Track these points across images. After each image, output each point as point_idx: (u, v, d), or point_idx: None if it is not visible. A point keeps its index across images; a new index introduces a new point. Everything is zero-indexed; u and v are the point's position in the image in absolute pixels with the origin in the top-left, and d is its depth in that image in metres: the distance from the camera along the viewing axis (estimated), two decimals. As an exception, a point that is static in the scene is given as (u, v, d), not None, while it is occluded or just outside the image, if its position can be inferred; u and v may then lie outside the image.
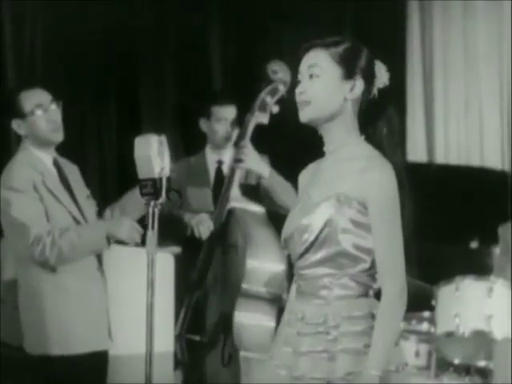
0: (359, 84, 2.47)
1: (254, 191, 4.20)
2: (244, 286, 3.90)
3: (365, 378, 2.34)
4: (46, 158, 3.56)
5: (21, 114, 3.51)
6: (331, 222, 2.40)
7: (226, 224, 4.05)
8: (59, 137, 3.57)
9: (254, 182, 4.22)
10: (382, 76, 2.51)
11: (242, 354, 3.87)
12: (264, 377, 2.60)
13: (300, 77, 2.51)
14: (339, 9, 6.99)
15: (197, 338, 4.07)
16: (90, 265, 3.53)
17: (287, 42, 6.62)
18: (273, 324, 3.89)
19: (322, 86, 2.46)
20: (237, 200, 4.07)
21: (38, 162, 3.53)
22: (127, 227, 3.40)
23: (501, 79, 6.90)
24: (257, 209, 4.08)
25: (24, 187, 3.42)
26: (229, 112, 4.34)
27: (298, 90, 2.49)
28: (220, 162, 4.36)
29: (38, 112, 3.51)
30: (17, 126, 3.54)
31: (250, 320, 3.91)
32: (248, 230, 3.95)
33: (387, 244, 2.40)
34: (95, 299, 3.54)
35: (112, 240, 3.45)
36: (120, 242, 3.48)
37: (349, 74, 2.46)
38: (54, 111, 3.56)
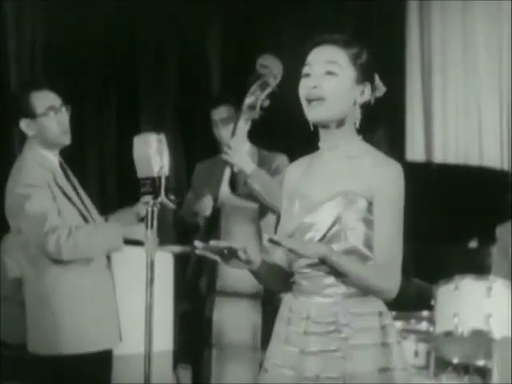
0: (368, 89, 2.47)
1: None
2: (218, 284, 3.91)
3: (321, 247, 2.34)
4: (53, 158, 3.57)
5: (31, 114, 3.51)
6: (340, 220, 2.40)
7: (215, 223, 4.04)
8: (67, 140, 3.59)
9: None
10: (380, 85, 2.51)
11: (214, 353, 3.89)
12: (266, 378, 2.58)
13: (309, 69, 2.46)
14: (339, 8, 6.99)
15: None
16: (99, 263, 3.53)
17: (287, 41, 6.62)
18: (256, 320, 3.90)
19: (339, 85, 2.43)
20: (226, 197, 4.05)
21: (46, 161, 3.54)
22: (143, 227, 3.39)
23: (500, 79, 6.90)
24: (246, 205, 4.05)
25: (39, 183, 3.42)
26: (222, 114, 4.32)
27: (309, 84, 2.43)
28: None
29: (51, 113, 3.52)
30: (25, 125, 3.53)
31: (229, 318, 3.91)
32: (228, 228, 3.94)
33: (387, 243, 2.40)
34: (105, 298, 3.54)
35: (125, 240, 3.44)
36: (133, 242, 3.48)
37: (360, 78, 2.45)
38: (64, 114, 3.57)
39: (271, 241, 2.26)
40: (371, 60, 2.49)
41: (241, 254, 2.39)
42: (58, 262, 3.39)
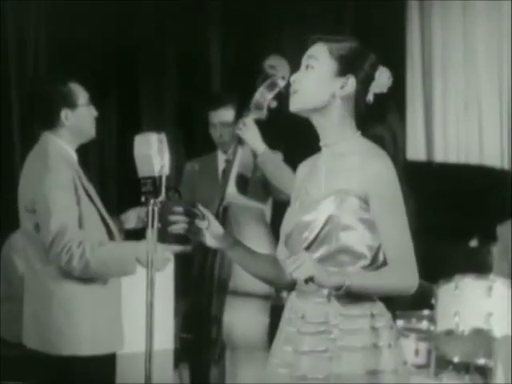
0: (351, 82, 2.46)
1: (252, 186, 4.17)
2: (231, 284, 3.91)
3: (337, 276, 2.34)
4: (73, 153, 3.56)
5: (73, 104, 3.51)
6: (332, 219, 2.40)
7: (222, 222, 4.04)
8: (94, 133, 3.60)
9: (252, 175, 4.19)
10: (381, 81, 2.48)
11: (228, 352, 3.89)
12: (263, 375, 2.60)
13: (301, 67, 2.52)
14: (339, 8, 7.00)
15: (190, 337, 4.09)
16: None
17: (287, 41, 6.63)
18: (265, 321, 3.90)
19: (314, 77, 2.47)
20: (233, 197, 4.06)
21: (70, 157, 3.52)
22: (160, 254, 3.35)
23: (500, 78, 6.90)
24: (253, 205, 4.06)
25: (68, 186, 3.39)
26: (221, 116, 4.32)
27: (291, 79, 2.51)
28: (228, 161, 4.34)
29: (89, 105, 3.55)
30: (65, 115, 3.50)
31: (240, 318, 3.92)
32: (238, 228, 3.94)
33: (395, 236, 2.40)
34: (114, 300, 3.54)
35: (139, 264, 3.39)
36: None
37: (342, 71, 2.46)
38: (92, 107, 3.59)
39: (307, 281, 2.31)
40: (365, 57, 2.49)
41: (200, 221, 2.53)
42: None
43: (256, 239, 3.91)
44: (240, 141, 4.00)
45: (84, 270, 3.34)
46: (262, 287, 3.82)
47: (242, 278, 3.84)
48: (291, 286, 2.57)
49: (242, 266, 2.66)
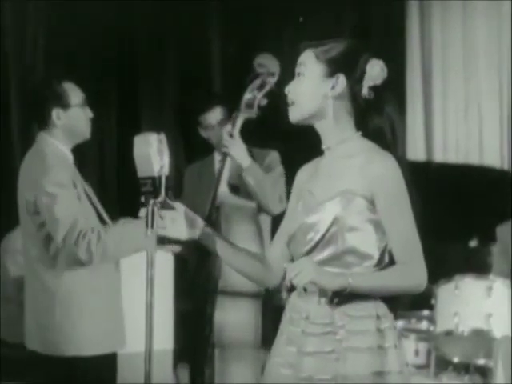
0: (341, 81, 2.46)
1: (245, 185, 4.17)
2: (221, 283, 3.91)
3: (341, 278, 2.35)
4: (69, 154, 3.54)
5: (66, 104, 3.48)
6: (338, 221, 2.39)
7: (214, 223, 4.04)
8: (89, 133, 3.57)
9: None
10: (373, 73, 2.47)
11: (217, 351, 3.90)
12: (265, 375, 2.59)
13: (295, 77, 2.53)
14: (339, 8, 7.00)
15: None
16: (110, 265, 3.52)
17: (287, 41, 6.63)
18: (256, 320, 3.91)
19: (305, 84, 2.48)
20: (225, 196, 4.05)
21: (66, 157, 3.50)
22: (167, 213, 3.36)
23: (500, 78, 6.91)
24: (245, 204, 4.05)
25: (67, 182, 3.38)
26: (211, 117, 4.31)
27: (286, 90, 2.52)
28: (220, 161, 4.33)
29: (83, 105, 3.52)
30: (56, 115, 3.48)
31: (230, 318, 3.93)
32: (229, 228, 3.94)
33: (403, 234, 2.39)
34: (115, 300, 3.53)
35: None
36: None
37: (331, 72, 2.46)
38: (88, 107, 3.57)
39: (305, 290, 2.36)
40: (353, 53, 2.48)
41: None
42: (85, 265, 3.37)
43: (247, 238, 3.91)
44: (226, 153, 3.99)
45: (103, 254, 3.34)
46: (252, 286, 3.81)
47: (232, 276, 3.84)
48: (278, 287, 2.58)
49: (222, 257, 2.66)
